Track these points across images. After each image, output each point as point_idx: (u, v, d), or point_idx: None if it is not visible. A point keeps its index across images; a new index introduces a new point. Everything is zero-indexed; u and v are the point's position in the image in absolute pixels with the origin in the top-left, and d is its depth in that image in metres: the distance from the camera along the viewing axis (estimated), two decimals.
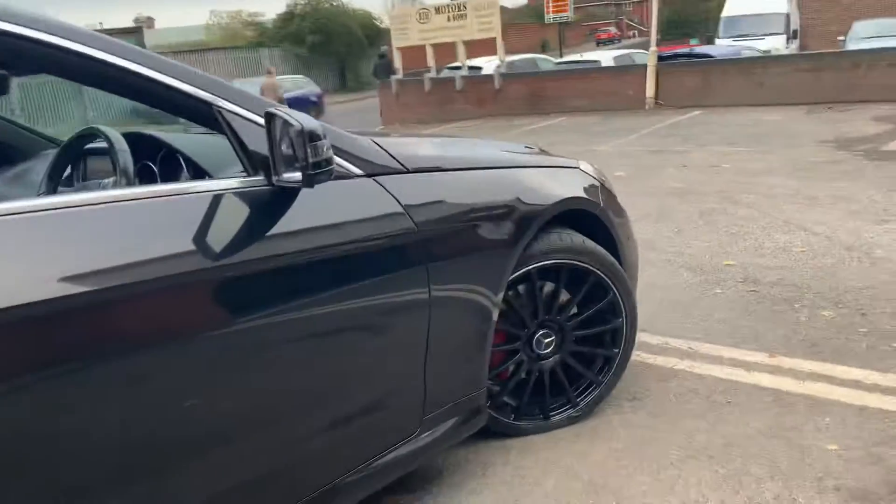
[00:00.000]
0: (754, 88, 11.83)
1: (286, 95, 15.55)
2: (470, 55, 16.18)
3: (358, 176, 1.74)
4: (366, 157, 1.78)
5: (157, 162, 1.89)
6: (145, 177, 1.90)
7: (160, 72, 1.48)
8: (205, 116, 1.56)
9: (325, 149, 1.44)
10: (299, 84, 19.06)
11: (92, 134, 1.88)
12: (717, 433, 2.29)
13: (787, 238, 4.38)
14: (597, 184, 2.48)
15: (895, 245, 4.05)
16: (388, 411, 1.84)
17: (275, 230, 1.54)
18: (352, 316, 1.68)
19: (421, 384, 1.87)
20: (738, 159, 7.30)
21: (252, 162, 1.56)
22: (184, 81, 1.51)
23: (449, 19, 15.36)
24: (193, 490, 1.46)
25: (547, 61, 18.15)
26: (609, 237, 2.43)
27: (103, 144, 1.83)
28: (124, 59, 1.43)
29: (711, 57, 13.35)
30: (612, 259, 2.33)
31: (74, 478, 1.27)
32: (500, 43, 14.91)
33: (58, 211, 1.29)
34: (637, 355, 2.76)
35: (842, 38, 17.93)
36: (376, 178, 1.77)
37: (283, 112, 1.47)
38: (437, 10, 15.43)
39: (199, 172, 1.82)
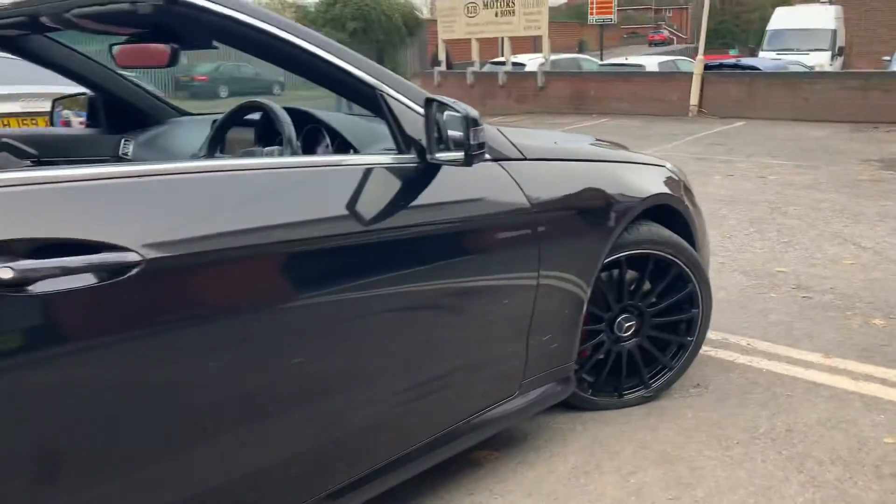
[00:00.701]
0: (799, 103, 11.89)
1: None
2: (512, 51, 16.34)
3: (487, 160, 1.95)
4: (493, 143, 1.98)
5: (301, 135, 2.11)
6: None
7: (338, 56, 1.70)
8: (367, 99, 1.78)
9: (482, 133, 1.65)
10: None
11: (250, 107, 2.11)
12: (778, 421, 2.48)
13: (836, 250, 4.53)
14: (680, 182, 2.67)
15: None
16: (496, 372, 2.05)
17: (420, 202, 1.76)
18: (475, 283, 1.89)
19: (524, 350, 2.08)
20: (783, 172, 7.43)
21: (406, 141, 1.77)
22: (356, 67, 1.72)
23: (497, 14, 15.54)
24: (328, 429, 1.67)
25: (590, 62, 18.27)
26: (688, 232, 2.63)
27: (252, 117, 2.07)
28: (308, 41, 1.65)
29: (757, 69, 13.39)
30: (695, 253, 2.52)
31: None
32: (546, 41, 15.07)
33: (248, 172, 1.52)
34: None
35: (887, 58, 17.88)
36: (500, 162, 1.98)
37: (445, 100, 1.68)
38: (486, 4, 15.60)
39: (342, 147, 2.04)
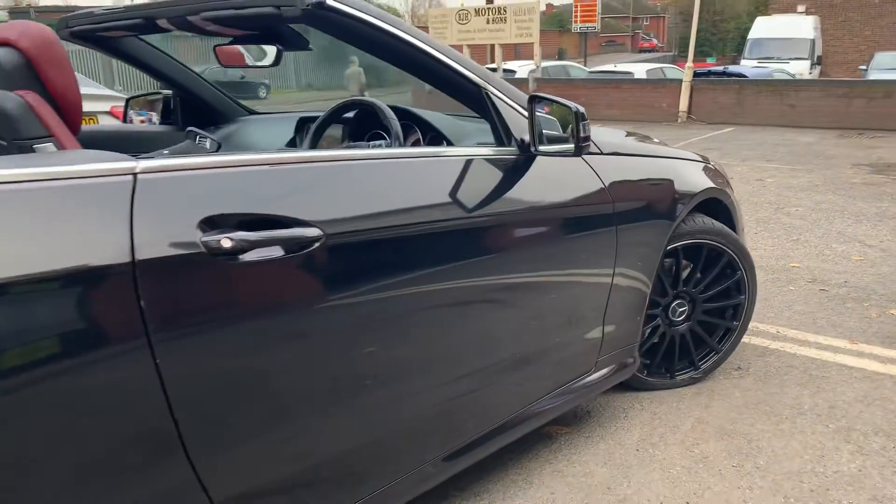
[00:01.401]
0: (786, 110, 12.26)
1: None
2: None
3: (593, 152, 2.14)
4: None
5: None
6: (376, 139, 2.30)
7: (450, 57, 1.86)
8: (472, 96, 1.94)
9: (588, 126, 1.82)
10: None
11: (351, 105, 2.27)
12: (820, 398, 2.68)
13: (843, 248, 4.77)
14: (724, 177, 2.87)
15: None
16: (578, 349, 2.22)
17: (520, 188, 1.92)
18: (563, 264, 2.06)
19: (600, 331, 2.26)
20: (779, 175, 7.70)
21: (507, 135, 1.94)
22: (465, 67, 1.89)
23: (488, 22, 15.73)
24: (448, 396, 1.83)
25: (578, 69, 18.57)
26: (731, 224, 2.82)
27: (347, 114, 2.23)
28: (428, 45, 1.81)
29: (745, 76, 13.75)
30: (742, 243, 2.72)
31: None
32: (537, 48, 15.30)
33: (369, 161, 1.67)
34: None
35: (863, 67, 18.42)
36: (584, 157, 2.16)
37: (551, 97, 1.85)
38: (477, 11, 15.80)
39: (433, 140, 2.21)
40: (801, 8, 26.10)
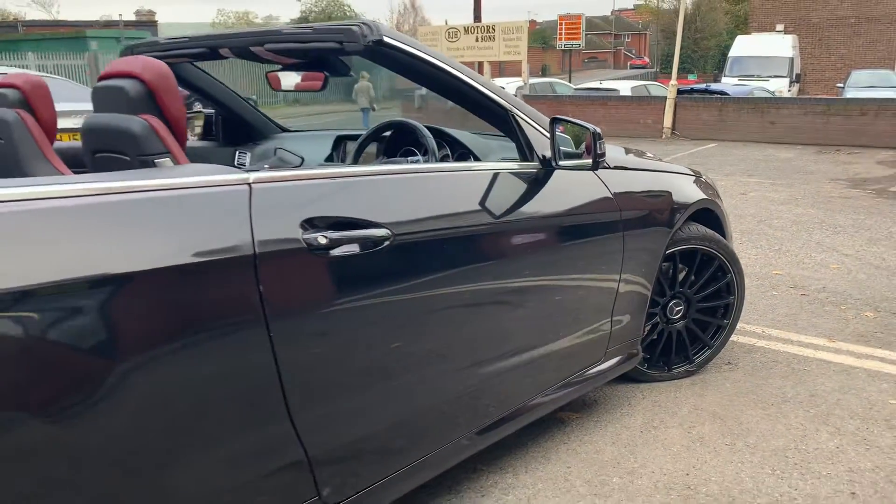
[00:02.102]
0: (767, 127, 12.71)
1: None
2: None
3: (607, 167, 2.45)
4: None
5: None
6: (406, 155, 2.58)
7: (481, 84, 2.15)
8: (500, 118, 2.23)
9: (604, 145, 2.12)
10: None
11: (389, 125, 2.55)
12: (801, 388, 2.98)
13: (822, 257, 5.11)
14: (714, 189, 3.18)
15: None
16: (592, 340, 2.50)
17: (542, 198, 2.22)
18: (577, 266, 2.36)
19: (609, 324, 2.55)
20: (761, 189, 8.08)
21: (530, 151, 2.23)
22: (494, 93, 2.18)
23: (477, 39, 16.12)
24: (485, 377, 2.11)
25: (563, 86, 18.99)
26: (722, 231, 3.13)
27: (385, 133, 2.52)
28: (465, 74, 2.11)
29: (726, 94, 14.21)
30: (732, 248, 3.03)
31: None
32: (525, 66, 15.71)
33: (424, 174, 1.96)
34: None
35: (840, 84, 18.98)
36: (594, 171, 2.45)
37: (572, 119, 2.15)
38: (467, 30, 16.20)
39: (463, 155, 2.50)
40: (779, 27, 26.83)
